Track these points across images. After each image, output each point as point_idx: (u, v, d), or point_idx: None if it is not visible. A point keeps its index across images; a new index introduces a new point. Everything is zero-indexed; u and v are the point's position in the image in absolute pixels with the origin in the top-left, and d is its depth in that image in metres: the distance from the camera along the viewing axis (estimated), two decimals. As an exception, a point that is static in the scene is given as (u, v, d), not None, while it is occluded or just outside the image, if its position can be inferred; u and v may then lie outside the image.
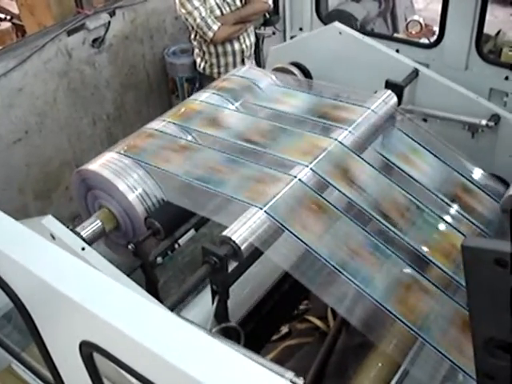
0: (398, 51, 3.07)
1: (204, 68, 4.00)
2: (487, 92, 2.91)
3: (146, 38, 4.31)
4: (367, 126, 2.22)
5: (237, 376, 0.88)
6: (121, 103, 4.30)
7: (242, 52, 3.93)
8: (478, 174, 2.24)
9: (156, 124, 2.29)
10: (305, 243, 1.71)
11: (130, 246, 1.95)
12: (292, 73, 2.76)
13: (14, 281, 1.13)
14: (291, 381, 1.39)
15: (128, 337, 0.93)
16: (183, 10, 3.72)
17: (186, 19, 3.76)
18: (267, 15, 4.08)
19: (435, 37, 3.19)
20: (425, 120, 2.66)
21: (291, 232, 1.72)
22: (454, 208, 2.07)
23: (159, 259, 1.95)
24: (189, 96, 4.30)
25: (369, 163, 2.05)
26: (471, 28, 2.88)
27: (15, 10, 4.94)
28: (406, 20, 5.31)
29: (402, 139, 2.26)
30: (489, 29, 3.67)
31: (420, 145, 2.23)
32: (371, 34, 4.01)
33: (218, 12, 3.76)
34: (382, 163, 2.13)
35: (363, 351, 1.90)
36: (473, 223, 2.04)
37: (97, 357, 1.06)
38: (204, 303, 1.89)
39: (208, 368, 0.88)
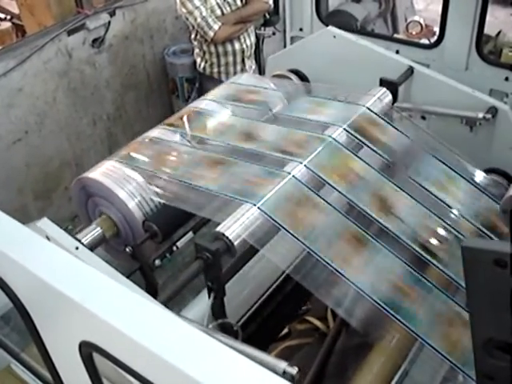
0: (398, 52, 3.08)
1: (204, 68, 4.00)
2: (487, 93, 2.90)
3: (146, 38, 4.31)
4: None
5: (235, 376, 0.88)
6: (121, 103, 4.30)
7: (243, 52, 3.94)
8: None
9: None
10: (298, 239, 1.71)
11: (127, 249, 1.98)
12: (290, 79, 2.80)
13: (13, 281, 1.13)
14: (284, 371, 1.39)
15: (127, 337, 0.93)
16: (184, 10, 3.73)
17: (187, 19, 3.76)
18: (267, 15, 4.09)
19: (435, 37, 3.20)
20: (423, 118, 2.67)
21: (284, 228, 1.73)
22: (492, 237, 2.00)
23: (158, 262, 1.96)
24: (189, 96, 4.35)
25: (365, 161, 2.04)
26: (471, 29, 2.89)
27: (15, 10, 4.94)
28: (406, 21, 5.31)
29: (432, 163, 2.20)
30: (489, 29, 3.67)
31: (452, 169, 2.17)
32: (371, 34, 4.03)
33: (218, 12, 3.76)
34: (382, 164, 2.13)
35: (363, 352, 1.90)
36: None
37: (96, 357, 1.06)
38: (204, 303, 1.89)
39: (207, 368, 0.88)
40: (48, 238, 1.66)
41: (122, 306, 1.00)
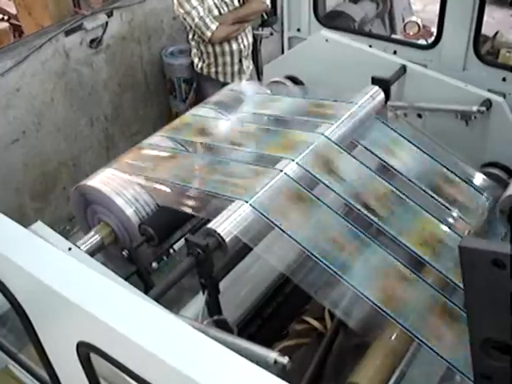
0: (395, 52, 3.08)
1: (202, 68, 4.00)
2: (485, 93, 2.92)
3: (144, 39, 4.30)
4: (354, 120, 2.26)
5: (230, 375, 0.88)
6: (118, 104, 4.29)
7: (240, 52, 3.93)
8: (460, 164, 2.27)
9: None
10: (289, 235, 1.73)
11: (124, 253, 2.00)
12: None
13: (11, 281, 1.13)
14: (276, 360, 1.39)
15: (124, 337, 0.93)
16: (181, 10, 3.72)
17: (184, 19, 3.75)
18: (265, 16, 4.08)
19: (433, 38, 3.20)
20: (419, 116, 2.67)
21: (275, 224, 1.75)
22: (435, 197, 2.10)
23: (155, 264, 1.98)
24: (186, 97, 4.35)
25: (353, 156, 2.10)
26: (469, 29, 2.89)
27: (13, 11, 4.93)
28: (403, 21, 5.31)
29: (384, 131, 2.29)
30: (487, 30, 3.68)
31: (402, 136, 2.26)
32: (369, 35, 4.02)
33: (216, 12, 3.76)
34: (370, 158, 2.16)
35: (361, 352, 1.90)
36: (454, 212, 2.07)
37: (94, 357, 1.06)
38: (201, 302, 1.90)
39: (202, 366, 0.88)
40: None
41: (119, 307, 1.00)
